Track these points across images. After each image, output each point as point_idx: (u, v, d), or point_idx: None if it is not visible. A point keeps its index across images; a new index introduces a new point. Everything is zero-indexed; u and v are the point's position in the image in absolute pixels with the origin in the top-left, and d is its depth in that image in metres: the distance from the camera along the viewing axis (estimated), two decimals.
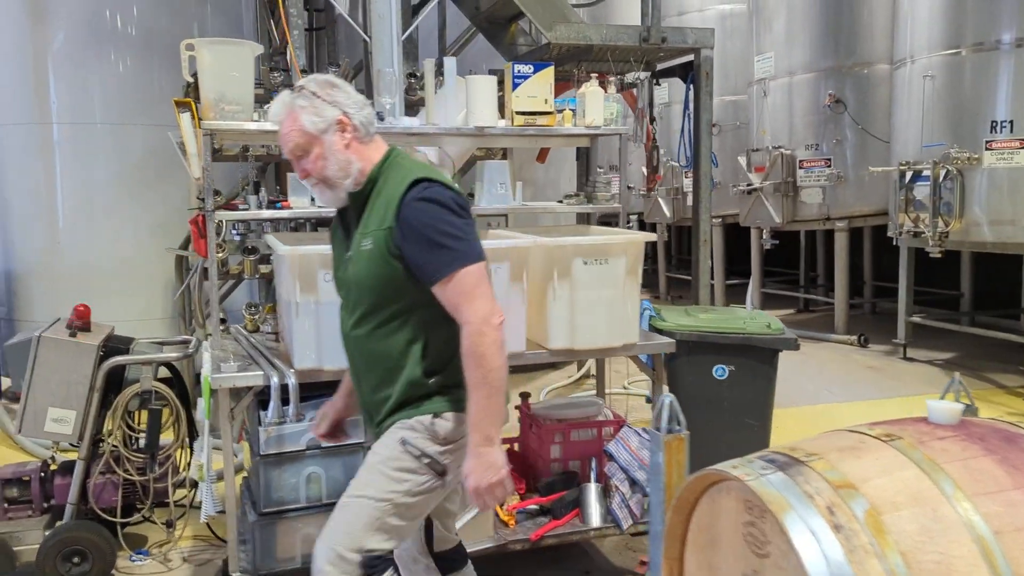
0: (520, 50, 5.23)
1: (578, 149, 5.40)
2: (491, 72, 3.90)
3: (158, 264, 6.15)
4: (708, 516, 2.03)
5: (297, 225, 4.26)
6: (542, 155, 5.09)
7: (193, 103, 3.17)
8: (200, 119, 3.14)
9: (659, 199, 9.50)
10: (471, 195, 3.78)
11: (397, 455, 2.18)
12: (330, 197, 2.23)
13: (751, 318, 3.60)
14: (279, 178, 4.52)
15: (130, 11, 6.20)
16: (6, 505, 3.57)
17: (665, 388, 3.41)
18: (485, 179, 3.64)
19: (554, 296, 3.14)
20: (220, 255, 4.78)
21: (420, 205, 2.09)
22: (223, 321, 4.61)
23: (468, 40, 5.67)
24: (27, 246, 6.22)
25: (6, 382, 5.86)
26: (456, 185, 2.26)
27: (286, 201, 3.31)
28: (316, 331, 2.90)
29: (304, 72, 4.31)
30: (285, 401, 2.85)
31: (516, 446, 3.99)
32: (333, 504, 3.08)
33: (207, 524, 3.50)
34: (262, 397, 3.00)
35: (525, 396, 4.28)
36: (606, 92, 3.58)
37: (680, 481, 2.37)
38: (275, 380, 2.81)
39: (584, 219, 4.43)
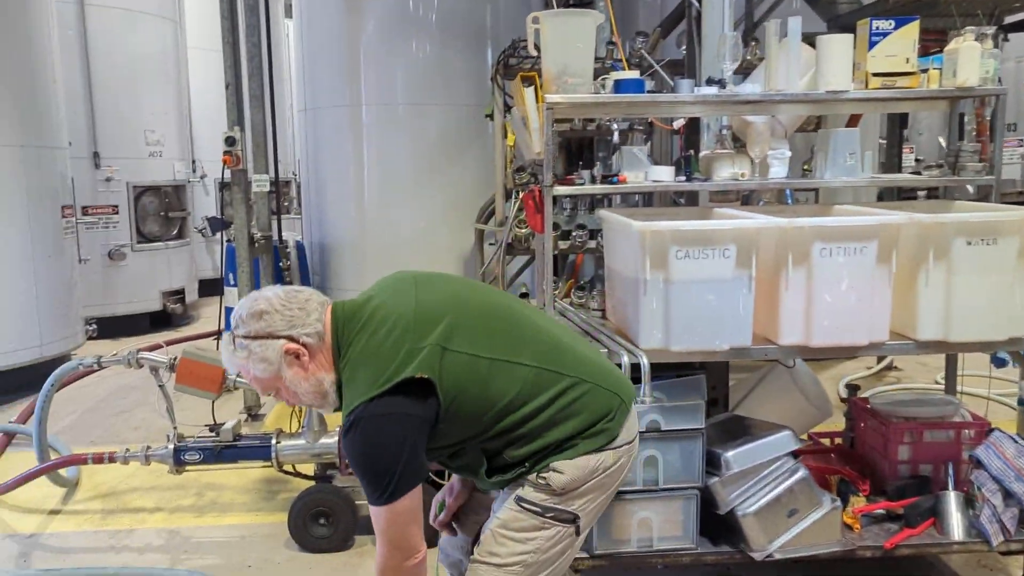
0: (840, 8, 4.78)
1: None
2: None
3: (452, 238, 6.40)
4: None
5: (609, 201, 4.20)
6: (854, 120, 4.64)
7: (537, 77, 3.15)
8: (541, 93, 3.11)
9: None
10: (806, 166, 3.48)
11: (515, 515, 2.09)
12: (329, 410, 2.14)
13: None
14: (606, 152, 4.47)
15: None
16: (347, 462, 3.83)
17: None
18: (831, 149, 3.31)
19: (926, 280, 2.78)
20: (522, 230, 4.87)
21: (348, 442, 1.95)
22: (524, 295, 4.69)
23: (778, 1, 5.30)
24: (339, 221, 6.72)
25: None
26: (395, 380, 1.92)
27: (622, 175, 3.21)
28: (664, 310, 2.78)
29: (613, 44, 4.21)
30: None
31: (845, 441, 3.66)
32: (668, 489, 3.03)
33: None
34: None
35: (854, 388, 3.92)
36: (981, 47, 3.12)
37: None
38: (625, 359, 2.73)
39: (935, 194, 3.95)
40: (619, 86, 3.15)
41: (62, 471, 4.25)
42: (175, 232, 9.10)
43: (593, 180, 3.28)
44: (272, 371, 2.00)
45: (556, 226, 4.26)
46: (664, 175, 3.28)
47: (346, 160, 6.66)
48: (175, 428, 3.93)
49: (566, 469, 2.03)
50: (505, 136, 4.89)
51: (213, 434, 3.95)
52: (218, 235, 10.64)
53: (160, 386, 3.93)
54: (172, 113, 8.98)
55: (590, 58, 3.16)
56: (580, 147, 5.42)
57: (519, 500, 2.06)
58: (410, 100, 6.58)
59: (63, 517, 4.11)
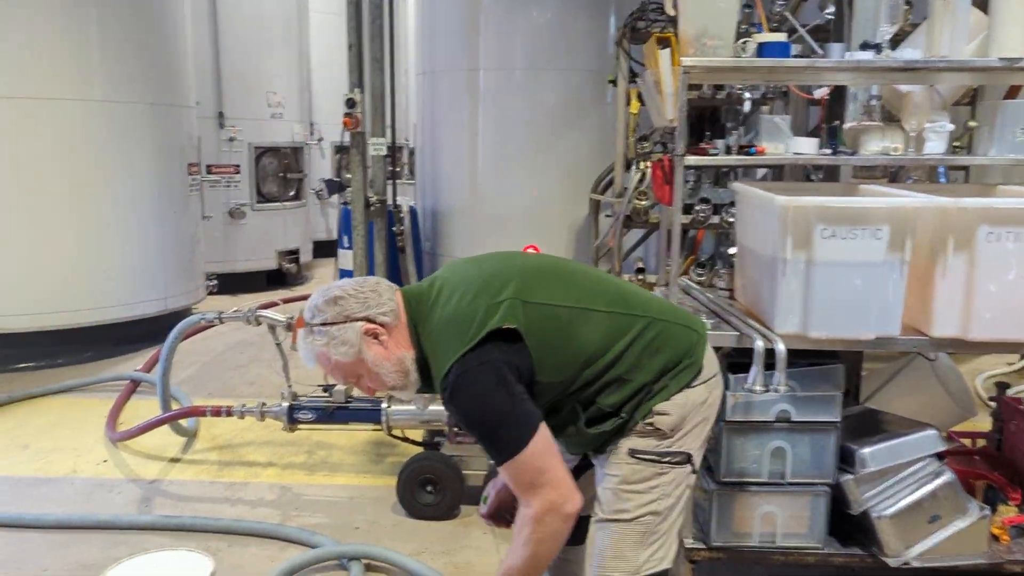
0: None
1: None
2: None
3: (565, 209, 6.26)
4: None
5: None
6: (1013, 91, 4.21)
7: (673, 39, 2.96)
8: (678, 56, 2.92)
9: None
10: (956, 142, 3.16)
11: (633, 468, 2.07)
12: (412, 392, 2.10)
13: None
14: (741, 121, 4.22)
15: None
16: (456, 429, 3.79)
17: None
18: (997, 123, 3.00)
19: None
20: (643, 202, 4.68)
21: (453, 410, 1.99)
22: (640, 271, 4.52)
23: None
24: (453, 186, 6.68)
25: None
26: (481, 334, 1.91)
27: (761, 146, 2.99)
28: (804, 293, 2.58)
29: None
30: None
31: (990, 443, 3.36)
32: (796, 484, 2.84)
33: None
34: (731, 359, 2.77)
35: (1004, 387, 3.60)
36: None
37: None
38: (760, 344, 2.55)
39: None
40: (763, 50, 2.92)
41: (182, 421, 4.39)
42: (292, 193, 9.31)
43: (728, 151, 3.08)
44: (354, 353, 2.00)
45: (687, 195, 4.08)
46: (807, 147, 3.05)
47: (462, 125, 6.60)
48: (289, 386, 3.98)
49: (670, 409, 2.04)
50: (628, 103, 4.69)
51: (326, 394, 3.99)
52: (332, 198, 10.90)
53: (277, 344, 3.98)
54: (293, 76, 9.15)
55: (733, 19, 2.94)
56: (702, 117, 5.17)
57: (632, 452, 2.05)
58: (528, 65, 6.44)
59: (182, 466, 4.25)
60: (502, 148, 6.48)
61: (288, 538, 3.44)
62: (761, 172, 4.62)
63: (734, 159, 3.03)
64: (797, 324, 2.61)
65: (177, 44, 6.63)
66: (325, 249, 10.99)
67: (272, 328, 3.96)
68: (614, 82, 4.93)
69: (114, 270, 6.03)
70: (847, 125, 3.20)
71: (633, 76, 4.78)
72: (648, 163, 4.68)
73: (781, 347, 2.53)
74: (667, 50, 2.94)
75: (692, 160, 3.00)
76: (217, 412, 4.04)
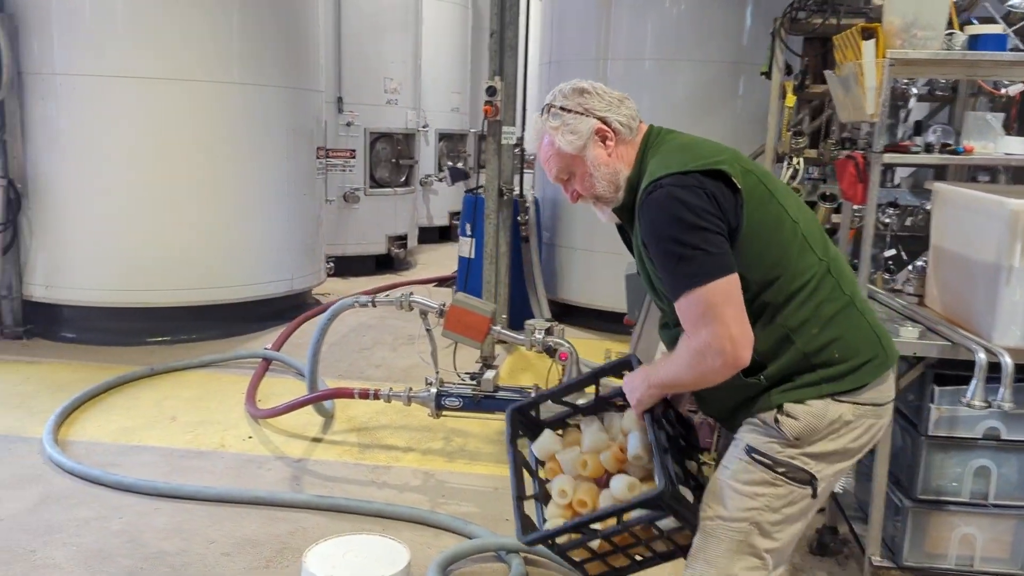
0: None
1: None
2: None
3: None
4: None
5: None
6: None
7: (880, 29, 2.81)
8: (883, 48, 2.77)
9: None
10: None
11: (745, 467, 1.88)
12: (609, 214, 2.02)
13: None
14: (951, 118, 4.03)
15: None
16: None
17: None
18: None
19: None
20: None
21: (647, 216, 1.82)
22: None
23: None
24: None
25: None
26: (713, 164, 1.79)
27: (968, 145, 2.81)
28: None
29: None
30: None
31: None
32: (1000, 506, 2.67)
33: None
34: (936, 370, 2.62)
35: None
36: None
37: None
38: (982, 356, 2.39)
39: None
40: (977, 42, 2.75)
41: (324, 402, 4.44)
42: (403, 179, 9.38)
43: (928, 149, 2.91)
44: (578, 146, 1.95)
45: (831, 197, 3.92)
46: (1017, 147, 2.85)
47: None
48: (438, 373, 3.98)
49: (800, 414, 1.84)
50: (783, 96, 4.53)
51: (473, 383, 3.97)
52: (437, 185, 10.96)
53: (427, 331, 3.98)
54: (408, 62, 9.20)
55: (945, 9, 2.78)
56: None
57: (749, 450, 1.89)
58: (659, 55, 6.32)
59: (325, 446, 4.29)
60: None
61: (441, 525, 3.43)
62: (929, 172, 4.40)
63: (938, 158, 2.86)
64: (1019, 337, 2.45)
65: (309, 29, 6.71)
66: (426, 235, 11.09)
67: (424, 314, 3.95)
68: (767, 74, 4.76)
69: (246, 250, 6.16)
70: None
71: (788, 69, 4.61)
72: (800, 158, 4.52)
73: (1008, 360, 2.37)
74: (871, 41, 2.78)
75: (892, 158, 2.85)
76: (365, 394, 4.06)
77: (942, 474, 2.66)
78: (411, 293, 3.97)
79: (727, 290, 1.74)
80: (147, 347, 5.83)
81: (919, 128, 3.26)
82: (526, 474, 2.13)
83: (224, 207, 6.05)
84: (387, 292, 4.16)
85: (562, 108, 1.97)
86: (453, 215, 11.95)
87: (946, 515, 2.67)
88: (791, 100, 4.44)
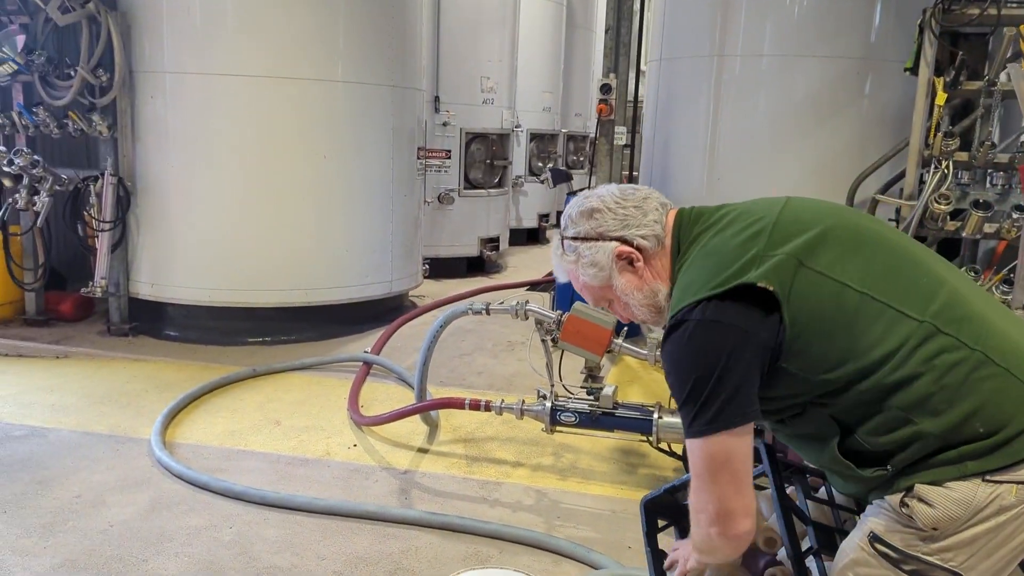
0: None
1: None
2: None
3: None
4: None
5: None
6: None
7: None
8: None
9: None
10: None
11: (865, 558, 1.57)
12: (663, 324, 1.73)
13: None
14: None
15: None
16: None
17: None
18: None
19: None
20: (943, 206, 4.15)
21: (666, 351, 1.61)
22: None
23: None
24: (683, 181, 6.30)
25: None
26: (736, 280, 1.54)
27: None
28: None
29: None
30: None
31: None
32: None
33: None
34: None
35: None
36: None
37: None
38: None
39: None
40: None
41: (431, 412, 4.28)
42: (496, 180, 9.22)
43: None
44: (603, 278, 1.76)
45: (984, 205, 3.57)
46: None
47: (699, 116, 6.19)
48: (553, 387, 3.76)
49: (936, 500, 1.49)
50: (931, 95, 4.16)
51: (591, 397, 3.74)
52: (521, 185, 10.78)
53: (543, 341, 3.76)
54: (505, 60, 9.04)
55: None
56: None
57: (873, 539, 1.56)
58: (779, 51, 5.95)
59: (432, 457, 4.13)
60: (743, 142, 6.03)
61: (562, 551, 3.21)
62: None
63: None
64: None
65: (413, 27, 6.60)
66: (516, 237, 10.92)
67: (539, 323, 3.75)
68: (911, 69, 4.39)
69: (347, 251, 6.08)
70: None
71: (938, 65, 4.24)
72: (949, 161, 4.15)
73: None
74: None
75: None
76: (476, 405, 3.88)
77: None
78: (527, 302, 3.78)
79: (736, 448, 1.54)
80: (247, 347, 5.80)
81: None
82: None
83: (326, 207, 5.98)
84: (501, 300, 3.94)
85: (574, 238, 1.78)
86: (542, 217, 11.76)
87: None
88: (942, 98, 4.06)
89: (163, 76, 5.65)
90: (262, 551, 3.17)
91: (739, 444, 1.53)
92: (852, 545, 1.62)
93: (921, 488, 1.50)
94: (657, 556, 1.96)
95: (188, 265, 5.76)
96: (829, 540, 1.75)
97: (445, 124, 8.46)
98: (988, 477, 1.48)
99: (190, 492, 3.62)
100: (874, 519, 1.58)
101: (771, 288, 1.53)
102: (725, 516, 1.55)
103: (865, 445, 1.56)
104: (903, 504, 1.52)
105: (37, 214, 5.67)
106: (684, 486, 1.92)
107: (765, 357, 1.55)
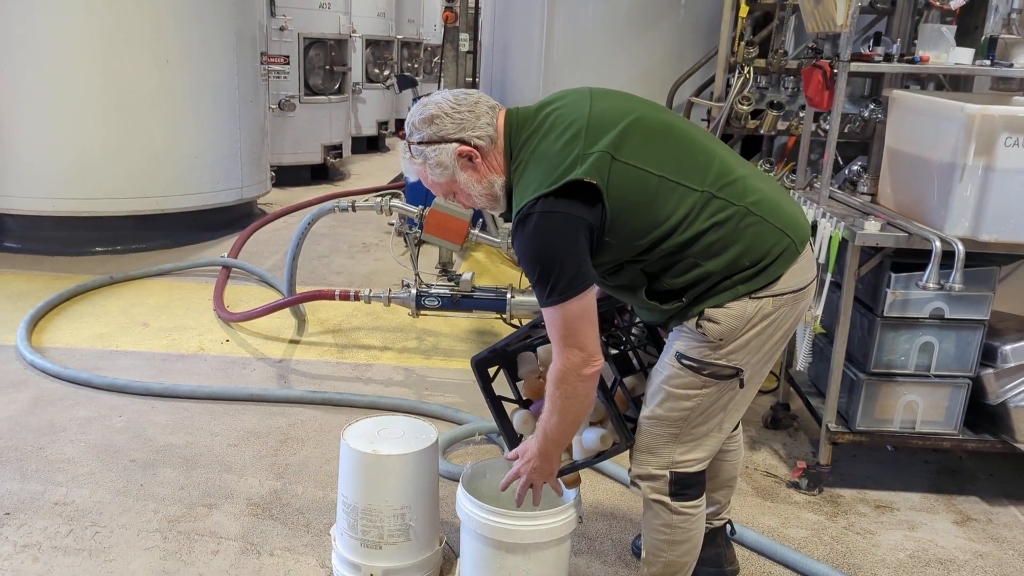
0: None
1: None
2: None
3: None
4: None
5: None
6: None
7: None
8: None
9: None
10: None
11: (676, 372, 2.08)
12: (499, 210, 2.15)
13: None
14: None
15: None
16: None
17: None
18: None
19: None
20: (745, 107, 4.79)
21: (518, 242, 1.97)
22: None
23: None
24: (525, 83, 6.68)
25: None
26: (567, 177, 1.91)
27: (924, 55, 3.10)
28: (978, 198, 2.75)
29: None
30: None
31: None
32: (940, 376, 3.08)
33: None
34: (893, 259, 2.96)
35: None
36: None
37: None
38: (938, 245, 2.73)
39: None
40: None
41: (299, 305, 4.55)
42: (336, 87, 9.23)
43: (888, 58, 3.18)
44: (448, 175, 2.06)
45: (778, 105, 4.24)
46: (965, 57, 3.15)
47: (533, 24, 6.55)
48: (417, 275, 4.14)
49: (720, 318, 2.00)
50: (736, 8, 4.74)
51: (451, 283, 4.15)
52: (364, 93, 10.80)
53: (404, 234, 4.11)
54: None
55: None
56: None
57: (679, 356, 2.06)
58: None
59: (304, 347, 4.43)
60: (574, 50, 6.47)
61: (433, 414, 3.65)
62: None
63: (899, 67, 3.13)
64: (967, 228, 2.79)
65: None
66: (356, 145, 10.98)
67: (401, 218, 4.09)
68: None
69: (196, 158, 6.07)
70: (1000, 37, 3.30)
71: None
72: (750, 67, 4.77)
73: (961, 248, 2.71)
74: None
75: (858, 67, 3.11)
76: (345, 296, 4.20)
77: (893, 350, 3.03)
78: (391, 198, 4.09)
79: (580, 310, 1.92)
80: (96, 257, 5.76)
81: (878, 39, 3.53)
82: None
83: (172, 113, 5.92)
84: (365, 197, 4.23)
85: (420, 142, 2.04)
86: (381, 124, 11.83)
87: (894, 385, 3.06)
88: (745, 11, 4.65)
89: None
90: (156, 433, 3.41)
91: (586, 303, 1.94)
92: (663, 364, 2.12)
93: (709, 311, 2.01)
94: (495, 400, 2.49)
95: (27, 175, 5.58)
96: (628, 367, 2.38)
97: (282, 29, 8.36)
98: (753, 295, 2.00)
99: (72, 389, 3.75)
100: (678, 342, 2.08)
101: (594, 182, 1.91)
102: (590, 356, 1.95)
103: (665, 286, 2.03)
104: (698, 325, 2.02)
105: None
106: (505, 346, 2.46)
107: (593, 235, 1.94)
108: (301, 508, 2.92)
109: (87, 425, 3.44)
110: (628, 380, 2.37)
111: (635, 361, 2.46)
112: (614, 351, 2.40)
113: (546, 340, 2.39)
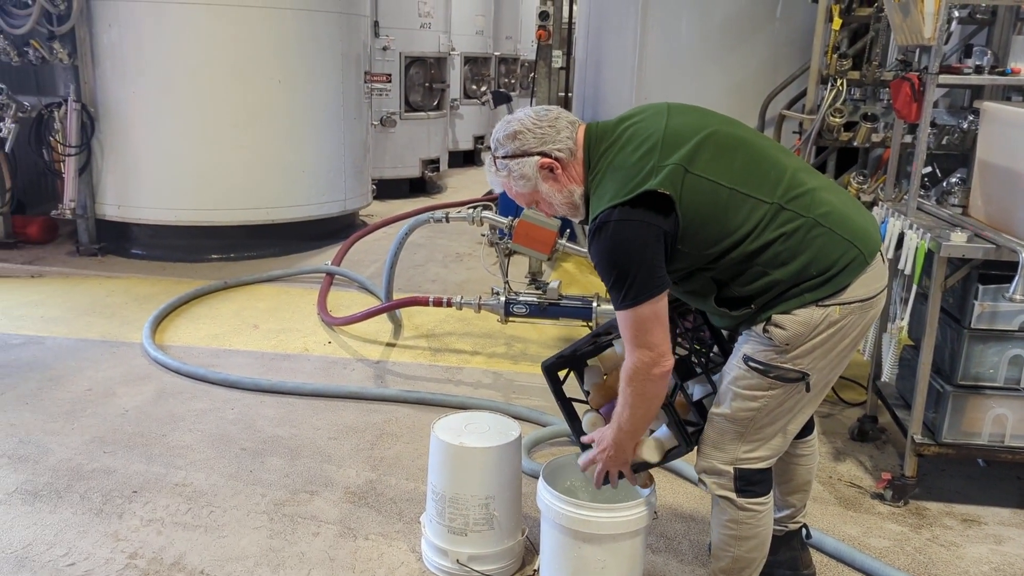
0: None
1: None
2: None
3: None
4: None
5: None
6: None
7: None
8: None
9: None
10: None
11: (743, 374, 2.15)
12: (579, 217, 2.26)
13: None
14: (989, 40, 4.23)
15: None
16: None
17: None
18: None
19: None
20: (837, 120, 4.78)
21: (595, 248, 2.08)
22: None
23: None
24: (617, 98, 6.81)
25: None
26: (642, 188, 2.01)
27: (1016, 67, 3.07)
28: None
29: None
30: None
31: None
32: None
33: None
34: (981, 270, 2.94)
35: None
36: None
37: None
38: None
39: None
40: None
41: (395, 311, 4.79)
42: (435, 103, 9.57)
43: (979, 71, 3.16)
44: (531, 186, 2.21)
45: (872, 117, 4.20)
46: None
47: (627, 39, 6.67)
48: (506, 283, 4.31)
49: (787, 324, 2.06)
50: (829, 19, 4.73)
51: (539, 291, 4.31)
52: (462, 109, 11.12)
53: (494, 244, 4.29)
54: None
55: None
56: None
57: (746, 359, 2.13)
58: None
59: (399, 350, 4.67)
60: (667, 63, 6.55)
61: (519, 416, 3.80)
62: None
63: (988, 79, 3.12)
64: None
65: None
66: (453, 160, 11.32)
67: (492, 229, 4.27)
68: None
69: (303, 171, 6.45)
70: None
71: None
72: (843, 80, 4.75)
73: None
74: None
75: (947, 79, 3.11)
76: (439, 302, 4.41)
77: (981, 362, 3.00)
78: (482, 209, 4.28)
79: (653, 313, 2.02)
80: (212, 263, 6.20)
81: (969, 51, 3.49)
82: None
83: (283, 130, 6.32)
84: (457, 209, 4.44)
85: (504, 156, 2.20)
86: (477, 139, 12.15)
87: (982, 398, 3.03)
88: (838, 23, 4.64)
89: (117, 4, 5.83)
90: (264, 425, 3.69)
91: (659, 307, 2.04)
92: (731, 366, 2.20)
93: (776, 317, 2.08)
94: (566, 403, 2.63)
95: (153, 187, 6.07)
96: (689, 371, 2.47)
97: (385, 48, 8.74)
98: (820, 303, 2.07)
99: (189, 384, 4.09)
100: (746, 345, 2.16)
101: (668, 192, 2.02)
102: (660, 356, 2.06)
103: (735, 293, 2.12)
104: (765, 331, 2.10)
105: (3, 140, 5.86)
106: (573, 352, 2.59)
107: (666, 242, 2.04)
108: (394, 498, 3.12)
109: (203, 416, 3.75)
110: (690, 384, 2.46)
111: (697, 367, 2.54)
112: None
113: (609, 345, 2.53)
